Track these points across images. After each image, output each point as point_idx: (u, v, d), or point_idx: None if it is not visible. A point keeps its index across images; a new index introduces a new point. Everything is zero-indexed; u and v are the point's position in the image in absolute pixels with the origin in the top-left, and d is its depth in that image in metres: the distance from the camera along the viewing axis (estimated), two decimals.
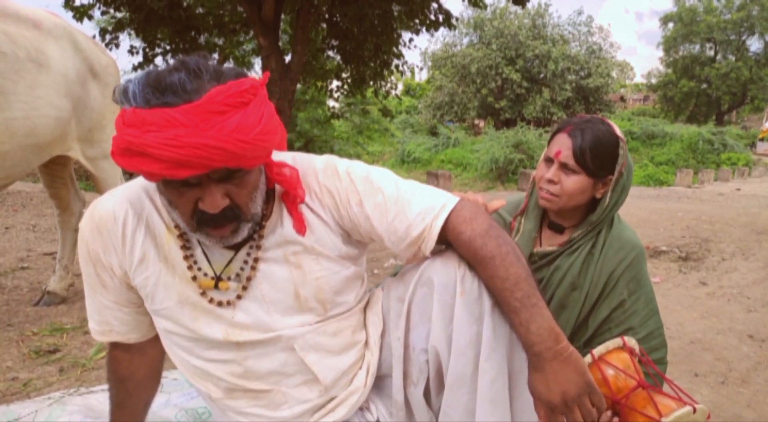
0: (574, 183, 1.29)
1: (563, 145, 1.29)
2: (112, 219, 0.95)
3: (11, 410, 1.42)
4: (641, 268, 1.33)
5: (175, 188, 0.82)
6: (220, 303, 0.96)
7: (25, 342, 2.11)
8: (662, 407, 0.99)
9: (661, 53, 32.73)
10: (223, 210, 0.83)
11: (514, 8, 24.70)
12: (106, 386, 1.57)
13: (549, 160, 1.33)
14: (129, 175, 3.20)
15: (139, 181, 0.99)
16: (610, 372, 1.06)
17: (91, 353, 2.04)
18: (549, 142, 1.36)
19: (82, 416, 1.39)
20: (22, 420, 1.38)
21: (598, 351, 1.09)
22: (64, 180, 2.68)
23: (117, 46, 7.16)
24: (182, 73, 0.76)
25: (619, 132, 1.32)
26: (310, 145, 15.48)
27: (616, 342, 1.11)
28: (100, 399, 1.50)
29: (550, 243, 1.40)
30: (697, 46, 31.07)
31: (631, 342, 1.14)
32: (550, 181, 1.31)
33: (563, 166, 1.29)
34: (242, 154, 0.78)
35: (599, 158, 1.27)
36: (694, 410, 0.97)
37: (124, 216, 0.95)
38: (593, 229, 1.34)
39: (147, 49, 7.55)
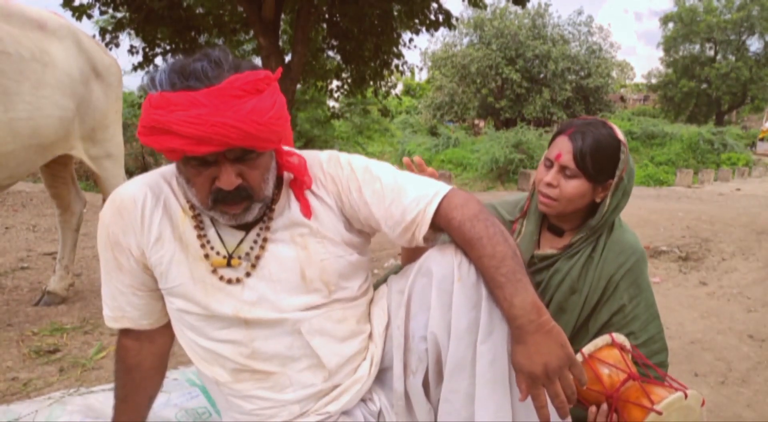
0: (574, 187, 1.27)
1: (563, 148, 1.27)
2: (132, 201, 1.01)
3: (11, 410, 1.43)
4: (642, 272, 1.32)
5: (193, 167, 0.90)
6: (229, 281, 1.01)
7: (25, 342, 2.11)
8: (654, 396, 1.01)
9: (660, 53, 32.79)
10: (237, 188, 0.91)
11: (514, 8, 24.69)
12: (106, 386, 1.57)
13: (549, 163, 1.31)
14: (130, 175, 3.20)
15: (158, 170, 1.07)
16: (603, 369, 1.09)
17: (91, 353, 2.04)
18: (550, 143, 1.34)
19: (82, 416, 1.39)
20: (22, 420, 1.38)
21: (587, 349, 1.11)
22: (65, 179, 2.68)
23: (117, 45, 7.18)
24: (205, 62, 0.86)
25: (621, 135, 1.29)
26: (310, 145, 15.48)
27: (605, 339, 1.13)
28: (100, 399, 1.50)
29: (550, 246, 1.39)
30: (697, 46, 31.09)
31: (620, 338, 1.16)
32: (549, 185, 1.29)
33: (563, 170, 1.28)
34: (257, 134, 0.86)
35: (600, 162, 1.25)
36: (686, 396, 0.99)
37: (144, 198, 1.01)
38: (593, 234, 1.33)
39: (147, 49, 7.56)
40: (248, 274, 1.02)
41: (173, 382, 1.63)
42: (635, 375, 1.06)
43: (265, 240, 1.02)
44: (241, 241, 1.02)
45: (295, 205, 1.04)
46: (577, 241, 1.33)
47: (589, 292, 1.31)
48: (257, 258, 1.02)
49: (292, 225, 1.03)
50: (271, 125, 0.87)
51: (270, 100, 0.88)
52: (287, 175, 1.05)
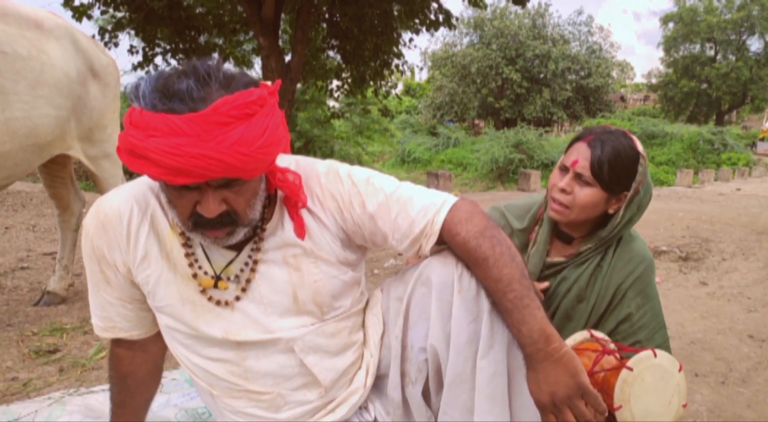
0: (587, 196, 1.24)
1: (581, 155, 1.24)
2: (117, 216, 0.96)
3: (11, 410, 1.43)
4: (650, 281, 1.30)
5: (175, 190, 0.84)
6: (218, 303, 0.98)
7: (25, 342, 2.11)
8: (627, 359, 1.02)
9: (659, 53, 32.89)
10: (220, 215, 0.84)
11: (514, 8, 24.71)
12: (106, 386, 1.57)
13: (564, 169, 1.28)
14: (129, 175, 3.21)
15: (145, 179, 0.99)
16: (581, 359, 1.08)
17: (91, 353, 2.04)
18: (566, 150, 1.32)
19: (82, 416, 1.39)
20: (22, 420, 1.38)
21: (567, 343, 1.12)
22: (64, 180, 2.68)
23: (116, 45, 7.16)
24: (191, 80, 0.77)
25: (640, 148, 1.27)
26: (310, 145, 15.47)
27: (583, 334, 1.14)
28: (100, 399, 1.50)
29: (558, 253, 1.38)
30: (698, 46, 31.12)
31: (599, 334, 1.16)
32: (563, 191, 1.26)
33: (578, 177, 1.25)
34: (241, 166, 0.78)
35: (616, 173, 1.22)
36: (655, 354, 1.00)
37: (129, 213, 0.96)
38: (603, 244, 1.31)
39: (146, 49, 7.55)
40: (238, 298, 0.98)
41: (173, 383, 1.63)
42: (609, 350, 1.07)
43: (255, 262, 0.97)
44: (231, 262, 0.97)
45: (288, 225, 0.98)
46: (586, 251, 1.32)
47: (597, 301, 1.30)
48: (248, 281, 0.97)
49: (285, 245, 0.98)
50: (259, 154, 0.79)
51: (261, 125, 0.79)
52: (281, 192, 0.99)
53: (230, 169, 0.78)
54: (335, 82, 8.97)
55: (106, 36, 6.99)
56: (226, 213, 0.85)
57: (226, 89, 0.79)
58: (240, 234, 0.90)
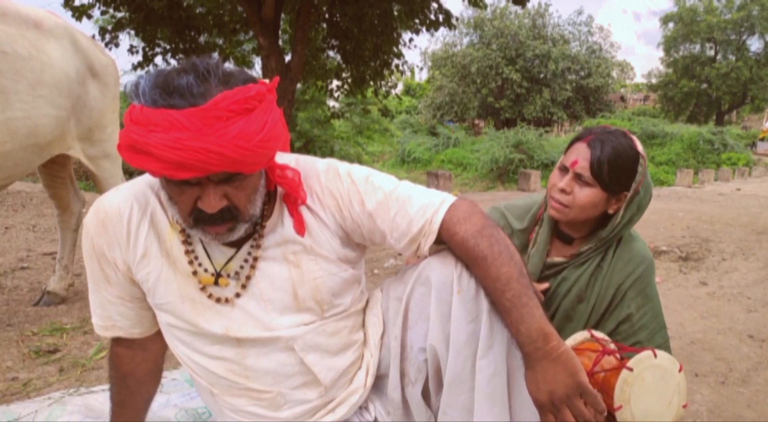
0: (587, 196, 1.24)
1: (581, 155, 1.24)
2: (117, 214, 0.96)
3: (11, 410, 1.43)
4: (650, 281, 1.30)
5: (176, 185, 0.84)
6: (218, 300, 0.98)
7: (25, 342, 2.11)
8: (627, 359, 1.02)
9: (659, 53, 32.98)
10: (221, 210, 0.85)
11: (514, 8, 24.73)
12: (106, 386, 1.57)
13: (564, 169, 1.28)
14: (129, 175, 3.21)
15: (145, 178, 1.00)
16: (581, 359, 1.08)
17: (91, 353, 2.04)
18: (566, 150, 1.32)
19: (82, 416, 1.39)
20: (22, 420, 1.38)
21: (567, 343, 1.11)
22: (64, 180, 2.68)
23: (117, 45, 7.17)
24: (191, 76, 0.78)
25: (640, 148, 1.27)
26: (310, 145, 15.48)
27: (584, 334, 1.13)
28: (100, 399, 1.50)
29: (558, 253, 1.37)
30: (698, 46, 31.16)
31: (599, 334, 1.16)
32: (563, 191, 1.26)
33: (578, 177, 1.25)
34: (242, 160, 0.79)
35: (616, 173, 1.22)
36: (655, 354, 0.99)
37: (129, 211, 0.97)
38: (603, 245, 1.31)
39: (146, 49, 7.56)
40: (238, 295, 0.98)
41: (173, 383, 1.63)
42: (609, 350, 1.06)
43: (255, 259, 0.98)
44: (231, 259, 0.98)
45: (288, 222, 0.98)
46: (586, 251, 1.32)
47: (597, 301, 1.30)
48: (248, 278, 0.98)
49: (285, 242, 0.98)
50: (259, 148, 0.80)
51: (260, 120, 0.80)
52: (280, 188, 0.99)
53: (231, 162, 0.79)
54: (335, 82, 8.97)
55: (106, 36, 7.00)
56: (226, 208, 0.86)
57: (225, 85, 0.80)
58: (241, 230, 0.91)
